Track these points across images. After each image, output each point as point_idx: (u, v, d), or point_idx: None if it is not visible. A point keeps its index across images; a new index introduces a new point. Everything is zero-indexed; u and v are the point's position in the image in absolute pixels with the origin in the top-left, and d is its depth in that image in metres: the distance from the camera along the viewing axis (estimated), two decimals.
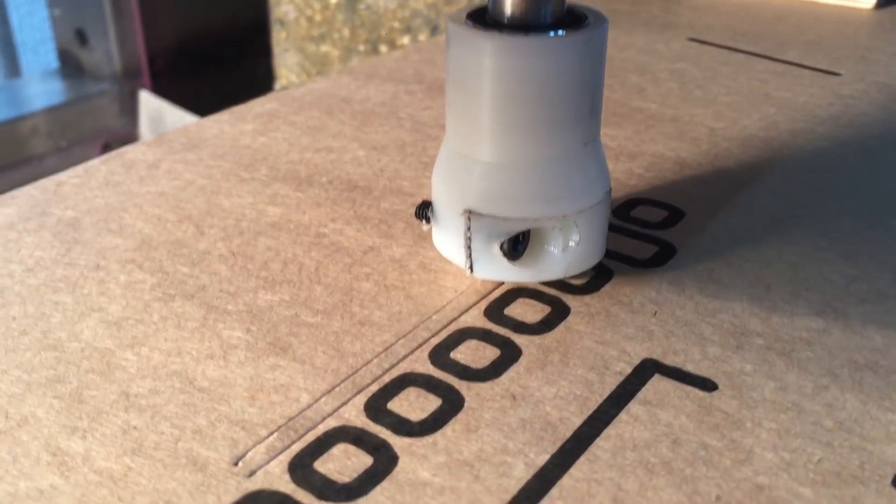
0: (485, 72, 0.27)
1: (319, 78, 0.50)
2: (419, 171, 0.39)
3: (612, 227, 0.33)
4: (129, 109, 1.39)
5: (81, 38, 1.39)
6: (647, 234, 0.34)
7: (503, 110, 0.27)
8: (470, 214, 0.28)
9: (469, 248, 0.29)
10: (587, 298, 0.30)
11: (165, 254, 0.32)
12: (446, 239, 0.30)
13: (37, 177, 0.38)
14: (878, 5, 0.66)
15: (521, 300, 0.30)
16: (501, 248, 0.29)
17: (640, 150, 0.42)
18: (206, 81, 1.43)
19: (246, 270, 0.31)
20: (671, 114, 0.46)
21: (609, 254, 0.32)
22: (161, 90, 1.37)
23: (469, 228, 0.28)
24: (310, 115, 0.44)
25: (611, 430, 0.24)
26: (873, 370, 0.26)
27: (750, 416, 0.24)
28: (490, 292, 0.30)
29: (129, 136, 1.42)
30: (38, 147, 1.34)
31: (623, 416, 0.24)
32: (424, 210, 0.30)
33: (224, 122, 0.44)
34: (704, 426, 0.24)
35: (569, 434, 0.24)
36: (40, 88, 1.41)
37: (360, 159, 0.40)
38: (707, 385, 0.26)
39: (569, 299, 0.30)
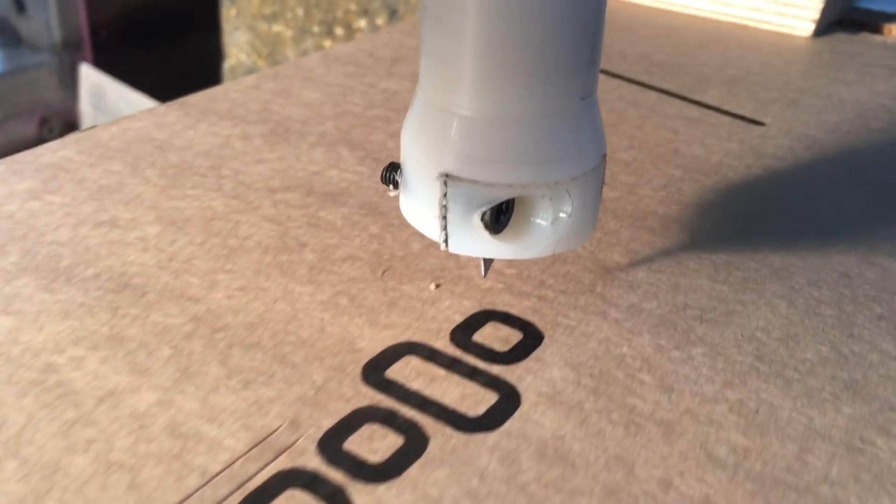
0: (468, 4, 0.23)
1: (142, 114, 0.41)
2: (219, 261, 0.30)
3: (443, 365, 0.26)
4: (69, 83, 1.35)
5: (19, 5, 1.34)
6: (485, 373, 0.26)
7: (488, 53, 0.23)
8: (446, 179, 0.25)
9: (444, 218, 0.25)
10: None
11: None
12: (417, 207, 0.26)
13: None
14: (816, 33, 0.59)
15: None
16: (482, 218, 0.25)
17: None
18: (152, 56, 1.38)
19: None
20: None
21: (427, 405, 0.24)
22: (104, 64, 1.32)
23: (445, 195, 0.25)
24: (108, 170, 0.36)
25: None
26: None
27: None
28: (256, 473, 0.22)
29: (68, 111, 1.37)
30: None
31: None
32: (391, 173, 0.27)
33: None
34: None
35: None
36: None
37: (148, 240, 0.31)
38: None
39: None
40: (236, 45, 1.27)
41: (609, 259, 0.32)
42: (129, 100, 1.21)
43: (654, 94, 0.48)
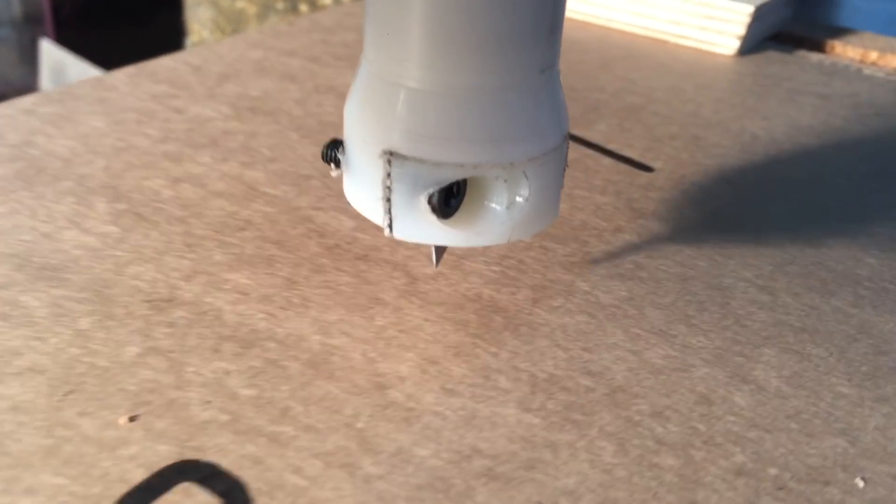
0: None
1: None
2: None
3: None
4: (29, 59, 1.30)
5: None
6: None
7: (438, 18, 0.21)
8: (391, 157, 0.22)
9: (388, 200, 0.23)
10: None
11: None
12: (360, 188, 0.24)
13: None
14: (743, 51, 0.51)
15: None
16: (430, 201, 0.22)
17: None
18: (116, 33, 1.33)
19: None
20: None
21: None
22: (65, 40, 1.27)
23: (389, 175, 0.22)
24: None
25: None
26: None
27: None
28: None
29: (27, 88, 1.31)
30: None
31: None
32: (333, 150, 0.24)
33: None
34: None
35: None
36: None
37: None
38: None
39: None
40: (199, 21, 1.20)
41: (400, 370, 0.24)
42: (90, 76, 1.15)
43: None
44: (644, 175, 0.36)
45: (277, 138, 0.37)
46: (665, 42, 0.53)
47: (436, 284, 0.28)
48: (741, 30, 0.51)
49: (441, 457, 0.22)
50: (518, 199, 0.23)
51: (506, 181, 0.23)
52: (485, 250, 0.30)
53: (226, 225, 0.30)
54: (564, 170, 0.24)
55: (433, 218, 0.22)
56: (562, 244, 0.31)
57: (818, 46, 0.57)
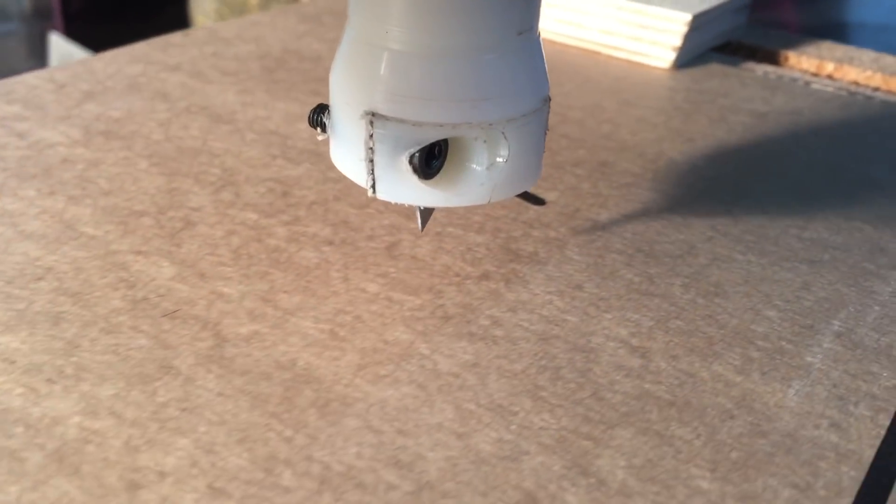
0: None
1: None
2: None
3: None
4: (39, 53, 1.28)
5: None
6: None
7: None
8: (373, 118, 0.23)
9: (371, 161, 0.23)
10: None
11: None
12: (345, 151, 0.24)
13: None
14: (679, 63, 0.47)
15: None
16: (411, 161, 0.23)
17: None
18: (125, 26, 1.27)
19: None
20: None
21: None
22: (75, 33, 1.25)
23: (371, 136, 0.23)
24: None
25: None
26: None
27: None
28: None
29: None
30: None
31: None
32: (319, 114, 0.25)
33: None
34: None
35: None
36: None
37: None
38: None
39: None
40: (203, 12, 1.18)
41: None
42: None
43: None
44: (533, 209, 0.32)
45: (122, 167, 0.33)
46: (597, 54, 0.49)
47: (247, 348, 0.24)
48: (677, 40, 0.47)
49: None
50: (498, 159, 0.24)
51: (485, 142, 0.23)
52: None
53: (21, 274, 0.26)
54: (545, 133, 0.25)
55: (415, 178, 0.23)
56: (413, 295, 0.27)
57: (771, 57, 0.52)
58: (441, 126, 0.23)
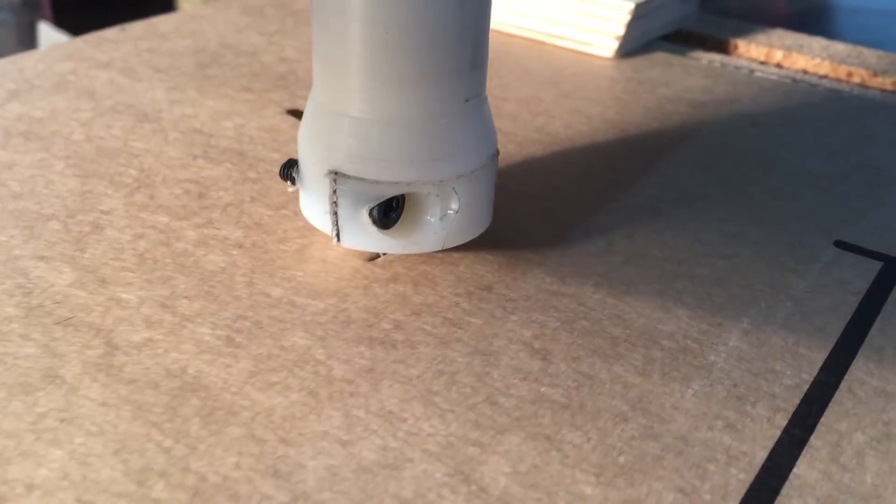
0: (351, 11, 0.24)
1: None
2: None
3: None
4: (28, 42, 1.28)
5: None
6: None
7: (371, 58, 0.24)
8: (336, 176, 0.26)
9: (335, 213, 0.26)
10: None
11: None
12: (312, 204, 0.27)
13: None
14: (624, 52, 0.46)
15: None
16: (371, 214, 0.26)
17: None
18: (115, 16, 1.33)
19: None
20: None
21: None
22: (64, 23, 1.26)
23: (335, 192, 0.26)
24: None
25: None
26: None
27: None
28: None
29: None
30: None
31: None
32: (289, 169, 0.28)
33: None
34: None
35: None
36: None
37: None
38: None
39: None
40: (191, 0, 1.18)
41: None
42: None
43: None
44: None
45: (37, 169, 0.32)
46: (542, 44, 0.48)
47: (137, 356, 0.24)
48: (620, 29, 0.46)
49: None
50: (449, 211, 0.27)
51: (437, 196, 0.26)
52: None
53: None
54: (496, 184, 0.28)
55: (374, 229, 0.26)
56: (317, 299, 0.27)
57: (721, 46, 0.52)
58: (397, 183, 0.25)
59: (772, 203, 0.33)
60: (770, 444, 0.22)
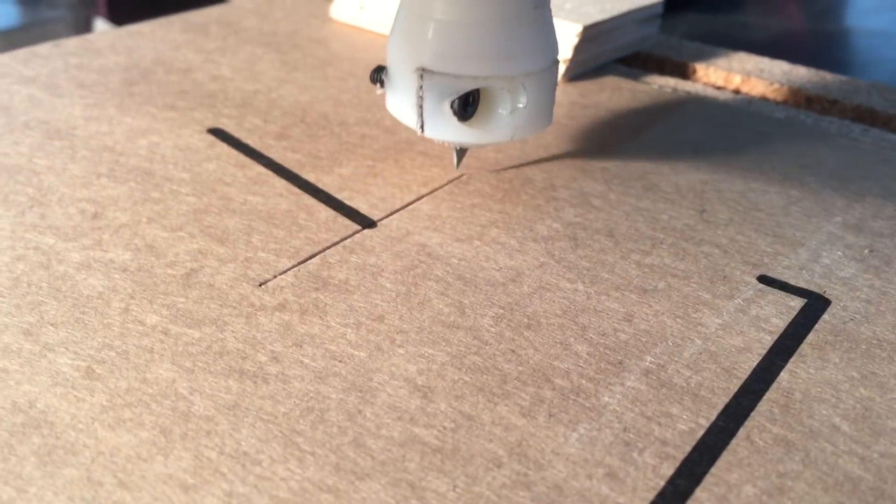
0: None
1: None
2: None
3: None
4: None
5: None
6: None
7: None
8: (423, 72, 0.29)
9: (421, 107, 0.30)
10: None
11: None
12: (399, 100, 0.31)
13: None
14: (572, 76, 0.45)
15: None
16: (452, 106, 0.30)
17: None
18: (168, 13, 1.37)
19: None
20: None
21: None
22: (119, 20, 1.23)
23: (421, 87, 0.29)
24: None
25: None
26: None
27: None
28: None
29: None
30: None
31: None
32: (378, 74, 0.31)
33: None
34: None
35: None
36: None
37: None
38: None
39: None
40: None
41: None
42: None
43: (257, 168, 0.34)
44: (357, 236, 0.30)
45: None
46: None
47: None
48: (567, 52, 0.45)
49: None
50: (518, 105, 0.30)
51: (509, 91, 0.30)
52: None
53: None
54: (555, 88, 0.32)
55: (454, 120, 0.30)
56: (194, 328, 0.25)
57: (680, 70, 0.51)
58: (475, 78, 0.29)
59: (697, 234, 0.32)
60: (650, 495, 0.21)
